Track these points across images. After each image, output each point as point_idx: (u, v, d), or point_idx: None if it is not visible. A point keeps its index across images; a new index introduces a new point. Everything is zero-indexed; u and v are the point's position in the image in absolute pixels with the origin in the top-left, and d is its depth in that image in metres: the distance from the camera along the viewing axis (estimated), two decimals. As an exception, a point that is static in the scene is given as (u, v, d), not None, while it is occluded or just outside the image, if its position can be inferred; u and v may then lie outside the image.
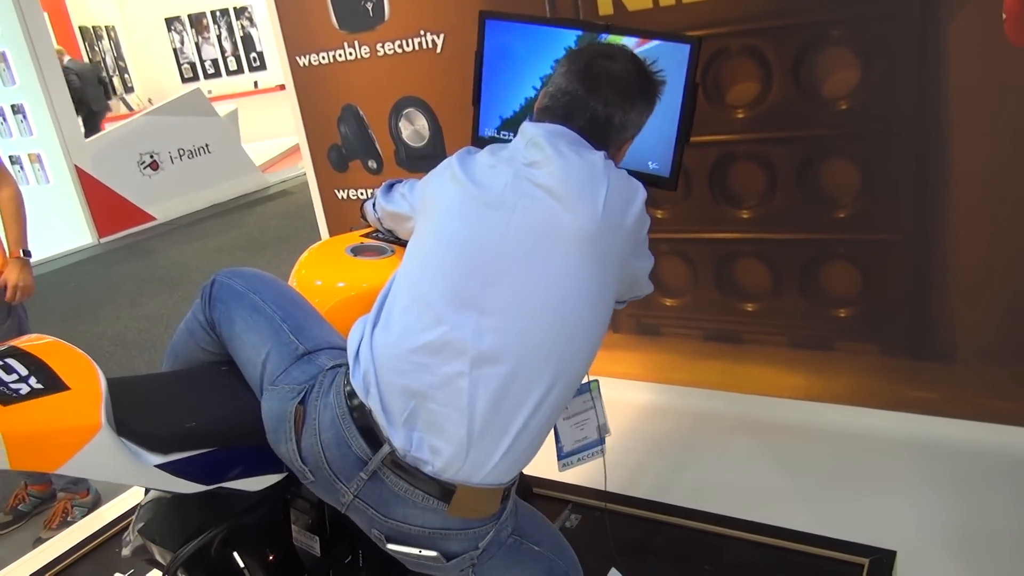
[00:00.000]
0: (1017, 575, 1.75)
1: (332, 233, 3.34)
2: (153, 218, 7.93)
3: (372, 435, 1.12)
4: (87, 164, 7.35)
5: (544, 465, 2.15)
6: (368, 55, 2.89)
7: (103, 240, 7.49)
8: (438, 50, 2.73)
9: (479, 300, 1.13)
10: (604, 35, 1.70)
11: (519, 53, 1.82)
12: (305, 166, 3.32)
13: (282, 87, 11.17)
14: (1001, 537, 1.86)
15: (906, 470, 2.16)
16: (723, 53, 2.26)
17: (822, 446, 2.33)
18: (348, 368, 1.19)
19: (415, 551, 1.12)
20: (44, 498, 2.73)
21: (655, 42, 1.66)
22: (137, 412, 1.14)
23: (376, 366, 1.14)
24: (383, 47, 2.84)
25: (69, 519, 2.56)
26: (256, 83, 11.10)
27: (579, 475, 2.25)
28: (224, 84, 11.13)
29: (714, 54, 2.26)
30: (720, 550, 1.87)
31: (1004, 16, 1.87)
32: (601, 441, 1.49)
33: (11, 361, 1.02)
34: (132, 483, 1.11)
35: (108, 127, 8.60)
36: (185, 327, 1.42)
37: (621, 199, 1.19)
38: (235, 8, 11.01)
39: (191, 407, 1.25)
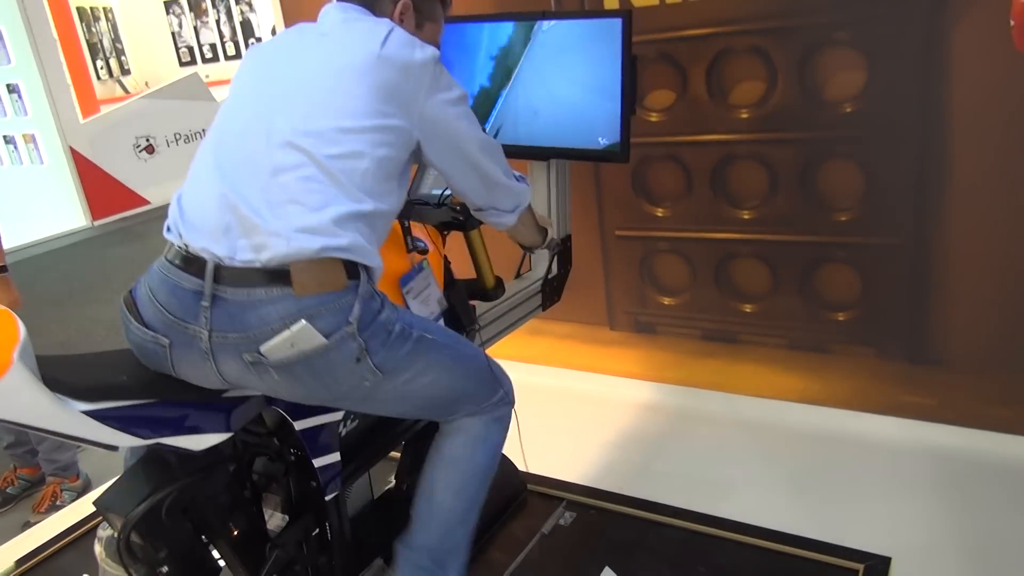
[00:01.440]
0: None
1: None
2: (147, 202, 7.87)
3: (196, 265, 1.18)
4: (82, 146, 7.29)
5: (538, 461, 2.16)
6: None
7: (97, 223, 7.43)
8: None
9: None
10: (541, 21, 1.78)
11: (465, 51, 1.89)
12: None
13: (281, 74, 11.13)
14: (996, 544, 1.87)
15: (902, 475, 2.16)
16: (728, 52, 2.25)
17: (818, 449, 2.33)
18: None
19: (286, 332, 1.15)
20: (33, 481, 2.70)
21: (590, 20, 1.76)
22: (65, 366, 1.18)
23: (181, 210, 1.25)
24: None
25: (58, 503, 2.54)
26: (254, 69, 10.98)
27: (575, 472, 2.26)
28: (222, 69, 11.02)
29: (719, 53, 2.25)
30: (714, 551, 1.86)
31: (1012, 22, 1.86)
32: (442, 315, 1.59)
33: None
34: (59, 429, 1.11)
35: (104, 109, 8.54)
36: None
37: (405, 42, 1.26)
38: (235, -8, 10.92)
39: (124, 364, 1.27)
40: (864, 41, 2.07)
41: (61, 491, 2.57)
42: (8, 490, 2.68)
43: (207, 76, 9.63)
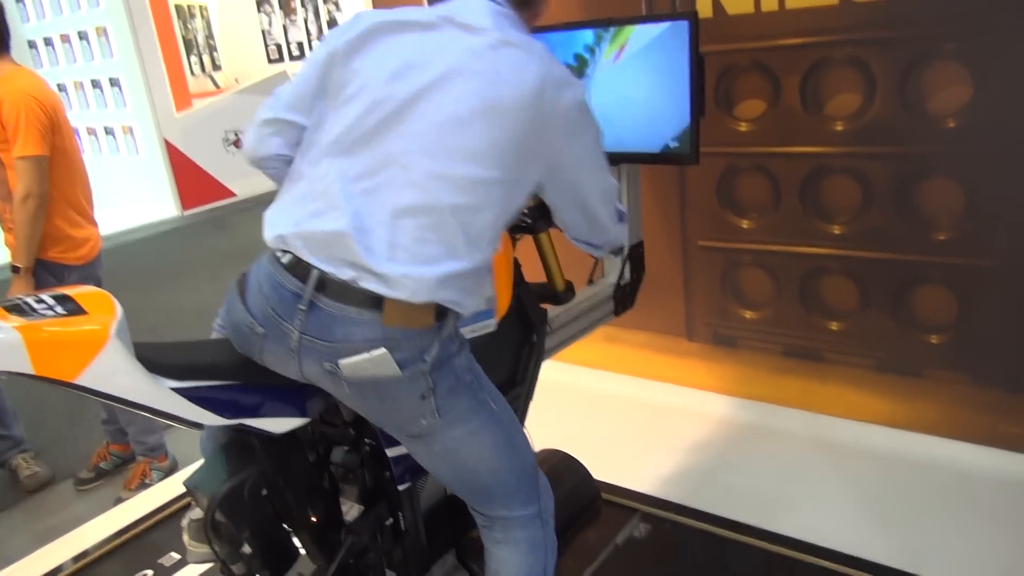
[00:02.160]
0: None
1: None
2: (234, 194, 8.17)
3: (300, 270, 1.21)
4: (176, 138, 7.61)
5: (612, 470, 2.15)
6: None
7: (186, 213, 7.74)
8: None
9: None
10: (611, 28, 1.79)
11: None
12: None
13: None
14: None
15: (991, 508, 2.06)
16: (825, 63, 2.19)
17: (903, 475, 2.25)
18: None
19: (366, 354, 1.18)
20: (125, 458, 2.84)
21: (657, 23, 1.74)
22: (157, 348, 1.25)
23: (288, 223, 1.24)
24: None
25: (147, 481, 2.66)
26: (339, 67, 11.25)
27: (648, 483, 2.24)
28: (308, 67, 11.33)
29: (815, 63, 2.19)
30: (790, 571, 1.82)
31: None
32: (491, 313, 1.55)
33: (44, 296, 1.16)
34: (150, 403, 1.18)
35: (196, 103, 8.88)
36: None
37: (560, 81, 1.23)
38: (324, -8, 11.22)
39: (214, 348, 1.35)
40: (971, 54, 1.98)
41: (151, 470, 2.69)
42: (102, 465, 2.82)
43: (294, 73, 9.92)
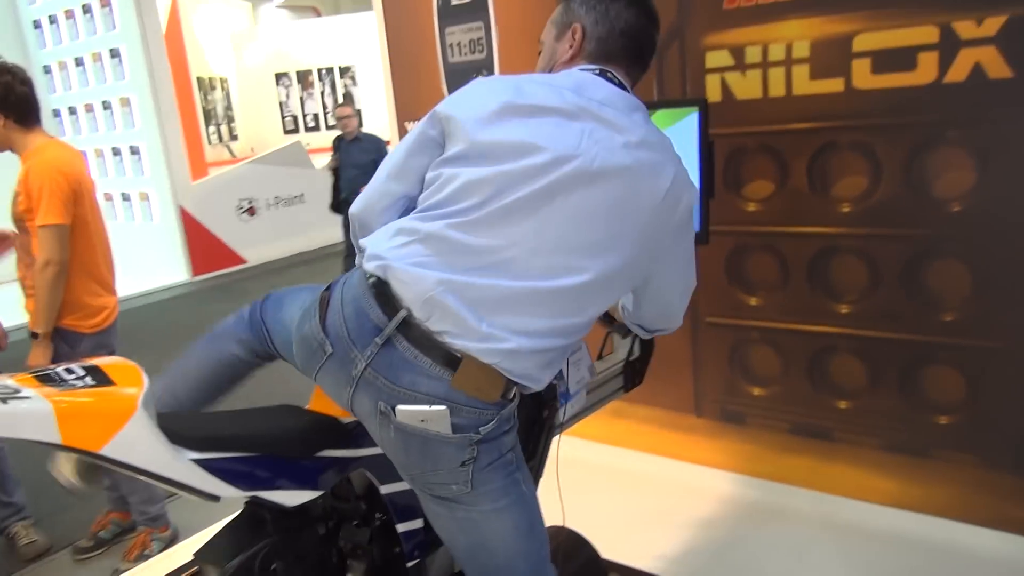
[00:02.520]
0: None
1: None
2: (245, 261, 8.27)
3: (390, 305, 1.22)
4: (190, 205, 7.75)
5: (618, 548, 2.11)
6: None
7: (196, 278, 7.83)
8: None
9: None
10: None
11: None
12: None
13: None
14: None
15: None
16: (830, 147, 2.25)
17: (911, 557, 2.21)
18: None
19: (426, 407, 1.19)
20: (125, 527, 2.80)
21: (669, 109, 1.82)
22: (179, 418, 1.28)
23: (395, 257, 1.24)
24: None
25: (147, 552, 2.62)
26: (353, 139, 11.56)
27: (654, 562, 2.20)
28: (323, 137, 11.63)
29: (822, 147, 2.26)
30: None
31: None
32: (591, 374, 1.67)
33: (74, 367, 1.20)
34: (170, 475, 1.18)
35: (213, 171, 9.08)
36: (217, 334, 1.63)
37: (683, 184, 1.31)
38: (340, 67, 11.58)
39: (231, 420, 1.37)
40: (975, 140, 2.04)
41: (151, 540, 2.66)
42: (101, 534, 2.79)
43: (308, 144, 10.19)
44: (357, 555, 1.45)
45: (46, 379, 1.13)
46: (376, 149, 6.14)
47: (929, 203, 2.14)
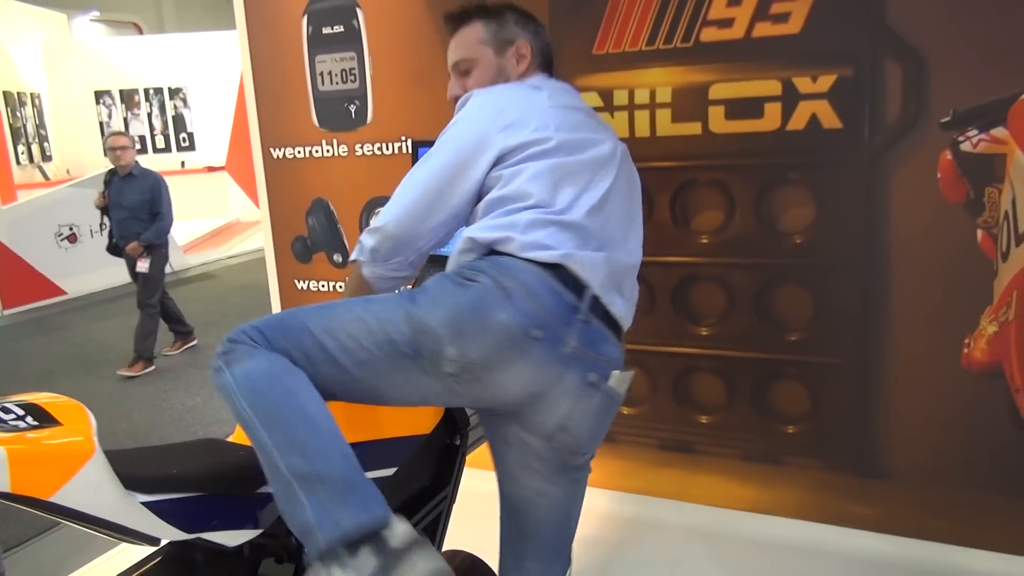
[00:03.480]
0: None
1: (287, 323, 3.32)
2: (64, 292, 7.60)
3: (575, 286, 1.34)
4: (1, 232, 7.05)
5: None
6: (346, 153, 2.99)
7: (7, 312, 7.10)
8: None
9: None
10: None
11: None
12: (267, 255, 3.33)
13: (210, 168, 11.11)
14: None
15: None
16: (691, 184, 2.47)
17: (767, 558, 2.44)
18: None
19: (626, 371, 1.38)
20: None
21: None
22: (124, 457, 1.20)
23: (573, 238, 1.41)
24: (362, 147, 2.95)
25: None
26: (183, 163, 10.97)
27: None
28: (148, 161, 10.95)
29: (684, 184, 2.47)
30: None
31: (939, 175, 2.14)
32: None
33: (9, 404, 1.11)
34: (120, 520, 1.11)
35: (22, 194, 8.31)
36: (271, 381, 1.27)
37: None
38: (170, 88, 11.00)
39: (176, 457, 1.32)
40: (813, 181, 2.32)
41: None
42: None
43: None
44: None
45: None
46: (151, 188, 5.30)
47: (776, 235, 2.39)
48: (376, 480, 1.45)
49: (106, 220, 5.48)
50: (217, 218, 10.44)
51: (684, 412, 2.65)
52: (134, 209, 5.24)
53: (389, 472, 1.52)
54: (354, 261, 1.50)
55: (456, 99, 1.60)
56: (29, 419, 1.07)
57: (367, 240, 1.46)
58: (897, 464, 2.39)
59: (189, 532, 1.20)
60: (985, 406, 2.24)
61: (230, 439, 1.43)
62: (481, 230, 1.39)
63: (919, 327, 2.27)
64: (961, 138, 2.09)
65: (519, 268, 1.33)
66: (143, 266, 5.23)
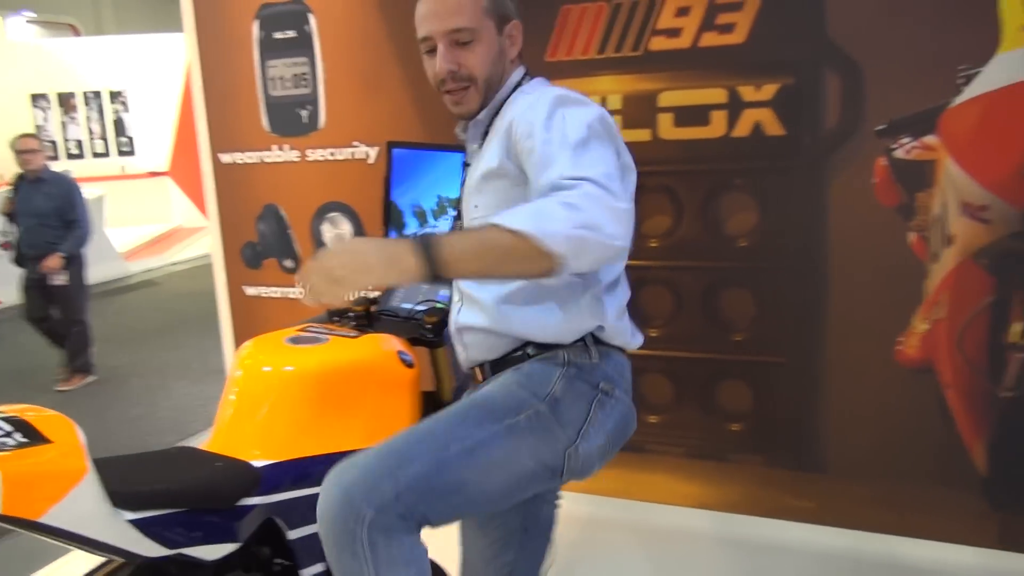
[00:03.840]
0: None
1: (236, 326, 3.29)
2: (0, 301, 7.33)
3: None
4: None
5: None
6: (298, 159, 2.98)
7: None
8: (370, 160, 2.87)
9: None
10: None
11: (420, 173, 2.11)
12: (215, 261, 3.29)
13: (152, 174, 10.86)
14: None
15: (787, 574, 2.37)
16: (640, 189, 2.50)
17: (713, 554, 2.52)
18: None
19: None
20: None
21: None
22: (108, 469, 1.19)
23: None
24: (314, 153, 2.95)
25: None
26: (123, 168, 10.70)
27: None
28: (86, 166, 10.66)
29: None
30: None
31: (875, 180, 2.25)
32: None
33: None
34: (106, 539, 1.10)
35: (-48, 200, 7.97)
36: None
37: None
38: (111, 92, 10.72)
39: (159, 470, 1.31)
40: (756, 187, 2.41)
41: None
42: None
43: (71, 172, 9.28)
44: None
45: None
46: (63, 194, 5.06)
47: (721, 239, 2.48)
48: None
49: (13, 227, 5.13)
50: (159, 224, 10.20)
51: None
52: (43, 216, 4.96)
53: None
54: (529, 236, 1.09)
55: (450, 76, 1.38)
56: (18, 435, 1.05)
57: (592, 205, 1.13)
58: (836, 458, 2.49)
59: (171, 548, 1.19)
60: (918, 401, 2.35)
61: (203, 447, 1.42)
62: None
63: (856, 327, 2.37)
64: (895, 145, 2.20)
65: (627, 368, 1.54)
66: (61, 279, 4.93)
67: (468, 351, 1.47)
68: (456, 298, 1.49)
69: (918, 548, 2.41)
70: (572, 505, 2.77)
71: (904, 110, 2.18)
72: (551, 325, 1.35)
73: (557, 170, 1.17)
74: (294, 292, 3.12)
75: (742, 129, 2.36)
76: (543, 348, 1.36)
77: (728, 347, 2.55)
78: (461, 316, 1.45)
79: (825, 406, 2.47)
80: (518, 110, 1.35)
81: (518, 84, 1.50)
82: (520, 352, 1.38)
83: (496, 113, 1.46)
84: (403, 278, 1.08)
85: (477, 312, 1.40)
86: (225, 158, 3.13)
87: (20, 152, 5.01)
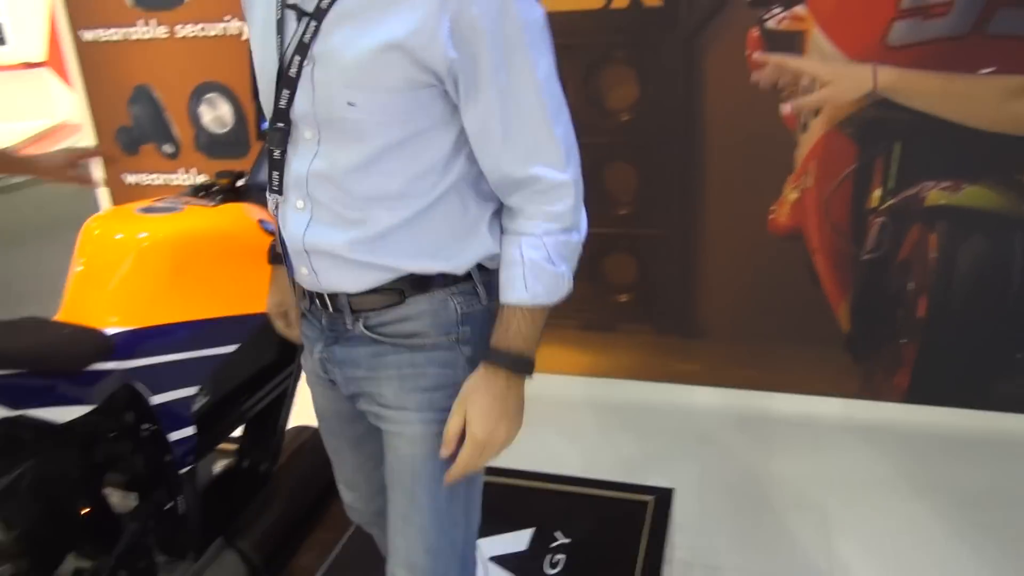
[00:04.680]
0: (760, 508, 2.17)
1: (119, 221, 3.16)
2: None
3: None
4: None
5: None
6: (166, 35, 2.80)
7: None
8: (243, 36, 2.72)
9: None
10: None
11: None
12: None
13: (28, 65, 10.01)
14: (747, 478, 2.29)
15: (675, 431, 2.55)
16: (524, 63, 2.50)
17: (609, 417, 2.67)
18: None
19: None
20: None
21: None
22: None
23: None
24: (183, 28, 2.77)
25: None
26: (-7, 57, 9.80)
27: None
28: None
29: (516, 64, 2.49)
30: (530, 500, 2.09)
31: (748, 51, 2.28)
32: None
33: None
34: None
35: None
36: None
37: None
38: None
39: (2, 338, 1.29)
40: (635, 60, 2.41)
41: None
42: None
43: None
44: (121, 467, 1.43)
45: None
46: None
47: (604, 114, 2.49)
48: (219, 356, 1.47)
49: None
50: (40, 120, 9.49)
51: (526, 288, 2.77)
52: None
53: (232, 348, 1.53)
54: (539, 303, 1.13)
55: None
56: None
57: (575, 235, 1.21)
58: (713, 324, 2.63)
59: (14, 408, 1.19)
60: (789, 267, 2.48)
61: (56, 319, 1.39)
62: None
63: (732, 198, 2.46)
64: (767, 16, 2.22)
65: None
66: None
67: (321, 276, 1.10)
68: (299, 204, 1.08)
69: (790, 402, 2.61)
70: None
71: (775, -22, 2.20)
72: (440, 251, 1.12)
73: (540, 158, 1.12)
74: (177, 179, 3.01)
75: (620, 1, 2.33)
76: (421, 282, 1.12)
77: (614, 221, 2.61)
78: (311, 233, 1.08)
79: (704, 277, 2.59)
80: None
81: None
82: (392, 288, 1.11)
83: None
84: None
85: (338, 232, 1.07)
86: (87, 35, 2.91)
87: None
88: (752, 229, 2.47)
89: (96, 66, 2.95)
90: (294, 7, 1.01)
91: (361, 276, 1.09)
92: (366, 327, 1.13)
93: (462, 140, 1.08)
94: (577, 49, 2.44)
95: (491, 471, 2.17)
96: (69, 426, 1.27)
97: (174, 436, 1.39)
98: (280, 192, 1.09)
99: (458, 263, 1.13)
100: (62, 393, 1.26)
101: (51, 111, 9.86)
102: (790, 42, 2.23)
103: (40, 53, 9.86)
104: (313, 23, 0.99)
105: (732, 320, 2.62)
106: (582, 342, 2.79)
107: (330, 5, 0.98)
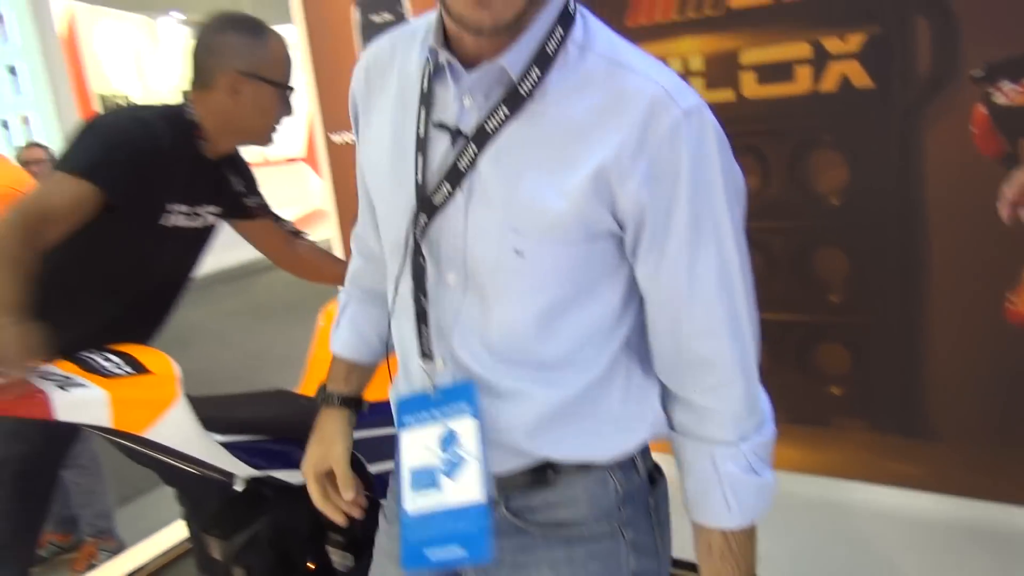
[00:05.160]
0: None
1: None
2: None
3: None
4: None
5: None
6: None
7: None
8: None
9: None
10: None
11: None
12: (333, 244, 3.53)
13: (291, 160, 11.53)
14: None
15: (891, 540, 2.32)
16: (727, 150, 2.50)
17: (816, 516, 2.49)
18: None
19: None
20: (63, 547, 2.81)
21: None
22: (204, 403, 1.41)
23: None
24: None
25: (94, 563, 2.65)
26: (265, 156, 11.44)
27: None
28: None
29: (719, 151, 2.51)
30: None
31: (974, 130, 2.12)
32: None
33: (108, 354, 1.33)
34: (200, 456, 1.31)
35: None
36: None
37: None
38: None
39: (249, 405, 1.54)
40: (846, 143, 2.32)
41: (98, 551, 2.68)
42: (40, 552, 2.79)
43: None
44: (340, 529, 1.59)
45: (88, 366, 1.25)
46: None
47: (811, 198, 2.41)
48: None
49: None
50: (299, 207, 10.86)
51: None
52: None
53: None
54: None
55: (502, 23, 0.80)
56: (126, 366, 1.28)
57: (769, 425, 1.08)
58: (940, 423, 2.39)
59: (259, 470, 1.39)
60: (1031, 362, 2.21)
61: (297, 391, 1.61)
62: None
63: (959, 284, 2.26)
64: (994, 91, 2.06)
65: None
66: None
67: None
68: (439, 364, 0.92)
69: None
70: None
71: (1001, 53, 2.04)
72: (598, 440, 0.93)
73: (726, 332, 0.96)
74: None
75: (829, 83, 2.28)
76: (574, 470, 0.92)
77: (824, 308, 2.49)
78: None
79: (930, 369, 2.37)
80: (619, 146, 0.86)
81: (563, 13, 0.90)
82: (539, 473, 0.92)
83: (531, 63, 0.86)
84: None
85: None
86: (336, 138, 3.34)
87: (26, 163, 4.04)
88: (986, 318, 2.24)
89: (345, 167, 3.37)
90: (442, 126, 0.84)
91: (504, 460, 0.90)
92: (510, 510, 0.90)
93: (631, 295, 0.93)
94: (784, 134, 2.41)
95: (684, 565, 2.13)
96: (303, 488, 1.45)
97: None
98: (427, 355, 0.88)
99: (624, 450, 0.94)
100: (299, 458, 1.44)
101: (308, 199, 11.24)
102: (1022, 117, 2.05)
103: (300, 150, 11.36)
104: (472, 147, 0.83)
105: (964, 419, 2.36)
106: (790, 436, 2.64)
107: (498, 128, 0.81)
